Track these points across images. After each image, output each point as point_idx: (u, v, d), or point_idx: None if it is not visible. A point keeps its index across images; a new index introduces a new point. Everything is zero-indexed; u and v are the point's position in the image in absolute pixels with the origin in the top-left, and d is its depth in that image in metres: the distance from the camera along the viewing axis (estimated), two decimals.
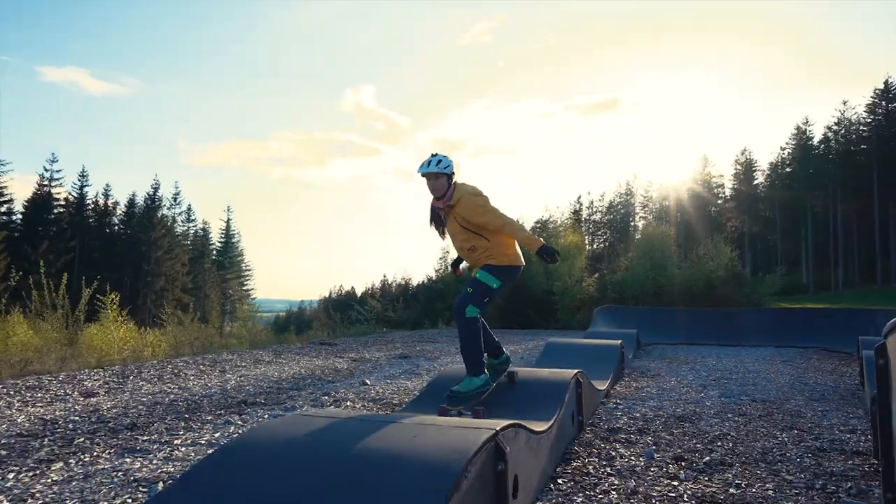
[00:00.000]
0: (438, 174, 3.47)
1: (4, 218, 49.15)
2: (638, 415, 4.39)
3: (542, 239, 3.45)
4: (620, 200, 52.57)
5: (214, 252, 73.50)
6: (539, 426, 2.59)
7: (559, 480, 2.77)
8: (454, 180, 3.56)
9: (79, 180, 57.23)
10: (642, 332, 10.47)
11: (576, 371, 3.80)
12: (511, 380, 3.75)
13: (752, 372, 7.11)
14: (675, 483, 2.75)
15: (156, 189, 60.97)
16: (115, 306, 10.10)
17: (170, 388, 5.54)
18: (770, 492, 2.63)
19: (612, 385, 5.64)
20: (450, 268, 4.33)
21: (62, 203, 54.60)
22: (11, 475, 2.82)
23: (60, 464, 3.03)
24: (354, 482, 1.60)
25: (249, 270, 77.59)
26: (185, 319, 11.90)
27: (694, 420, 4.24)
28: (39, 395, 5.06)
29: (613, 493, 2.60)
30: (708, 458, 3.20)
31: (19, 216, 51.20)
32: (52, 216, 52.17)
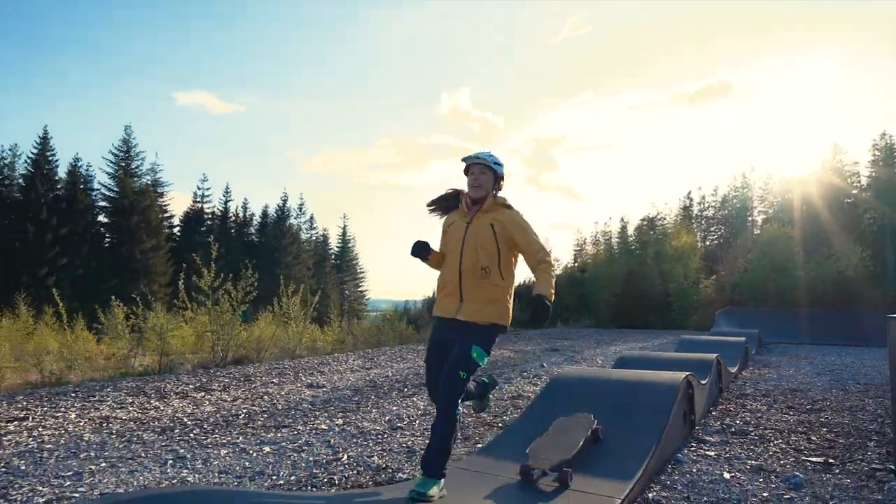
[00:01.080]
0: (489, 167, 2.81)
1: (167, 230, 57.83)
2: (761, 388, 6.16)
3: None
4: (736, 194, 50.10)
5: (333, 256, 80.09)
6: (703, 381, 4.58)
7: (712, 413, 4.73)
8: (500, 186, 2.87)
9: (223, 196, 65.22)
10: (764, 332, 11.66)
11: (715, 355, 5.68)
12: (595, 438, 3.19)
13: (867, 367, 8.37)
14: (785, 417, 4.62)
15: (284, 201, 67.82)
16: (295, 306, 12.54)
17: (409, 366, 8.06)
18: (846, 420, 4.42)
19: (739, 371, 7.34)
20: (412, 250, 2.89)
21: (209, 216, 62.69)
22: (355, 412, 5.31)
23: (385, 404, 5.48)
24: (630, 396, 3.72)
25: (363, 273, 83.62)
26: (335, 317, 14.43)
27: (804, 391, 5.93)
28: (325, 370, 7.76)
29: (747, 416, 4.53)
30: (809, 407, 4.99)
31: (178, 229, 59.78)
32: (204, 228, 60.27)
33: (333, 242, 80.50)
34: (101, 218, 45.75)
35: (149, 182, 48.09)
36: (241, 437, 3.99)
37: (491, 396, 3.48)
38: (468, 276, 2.69)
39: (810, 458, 3.48)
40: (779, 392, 5.88)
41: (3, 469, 3.21)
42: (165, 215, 57.39)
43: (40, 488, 2.87)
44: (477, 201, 2.82)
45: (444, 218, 2.97)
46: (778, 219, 28.00)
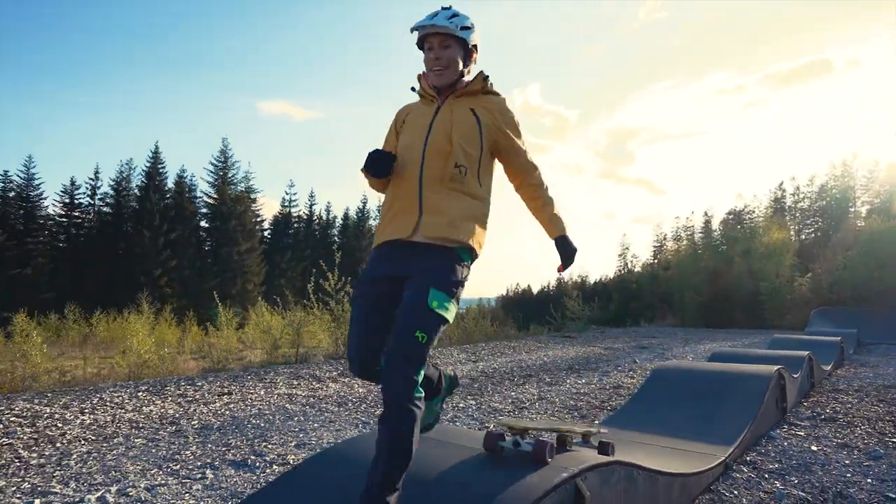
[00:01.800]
0: (450, 36, 1.93)
1: (259, 234, 62.26)
2: (855, 384, 6.50)
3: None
4: (836, 184, 46.48)
5: None
6: (795, 375, 5.12)
7: (803, 403, 5.26)
8: (474, 58, 2.04)
9: (308, 199, 68.97)
10: (864, 333, 11.50)
11: (807, 352, 6.12)
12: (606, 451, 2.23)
13: None
14: (875, 408, 5.07)
15: (364, 203, 70.86)
16: None
17: (509, 360, 8.95)
18: None
19: (833, 369, 7.63)
20: (364, 166, 1.96)
21: (296, 220, 66.61)
22: (481, 396, 6.21)
23: (503, 390, 6.36)
24: (727, 384, 4.39)
25: None
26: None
27: None
28: (437, 362, 8.78)
29: (837, 406, 5.03)
30: None
31: (268, 232, 64.07)
32: (291, 230, 64.22)
33: None
34: (203, 223, 50.35)
35: (243, 189, 52.13)
36: None
37: (443, 406, 2.35)
38: (433, 182, 1.87)
39: (894, 439, 4.01)
40: (872, 388, 6.22)
41: (250, 424, 4.41)
42: (258, 219, 61.55)
43: (285, 437, 4.01)
44: (441, 90, 1.99)
45: (399, 110, 2.12)
46: (884, 210, 26.23)
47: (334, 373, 7.22)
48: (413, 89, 2.12)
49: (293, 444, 3.86)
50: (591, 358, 9.45)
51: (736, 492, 2.91)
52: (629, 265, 51.93)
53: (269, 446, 3.79)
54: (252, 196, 53.64)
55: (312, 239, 66.92)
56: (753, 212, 33.13)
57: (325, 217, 71.61)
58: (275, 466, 3.34)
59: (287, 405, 5.24)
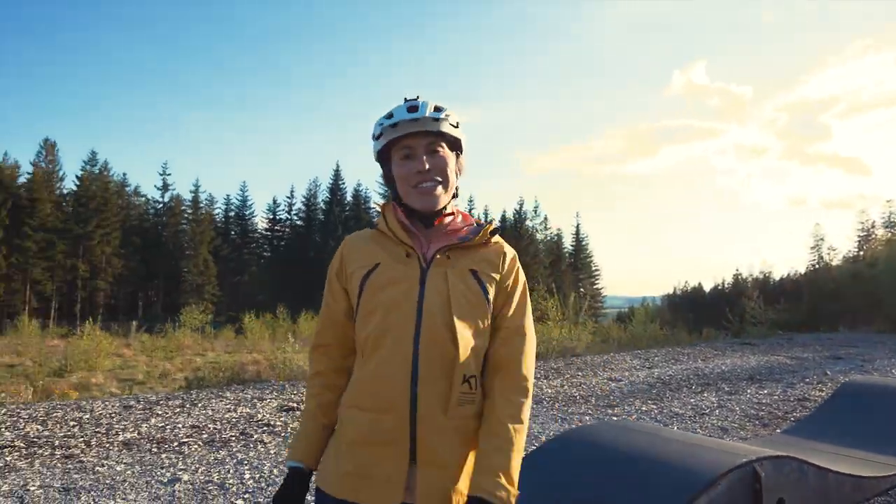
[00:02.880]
0: (440, 135, 1.26)
1: None
2: None
3: None
4: None
5: (568, 255, 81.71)
6: None
7: None
8: (460, 170, 1.35)
9: (468, 204, 72.37)
10: None
11: None
12: None
13: None
14: None
15: (521, 205, 71.98)
16: (553, 309, 14.43)
17: (684, 367, 9.22)
18: None
19: None
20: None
21: None
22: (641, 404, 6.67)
23: (682, 396, 6.76)
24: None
25: (598, 270, 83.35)
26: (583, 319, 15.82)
27: None
28: (613, 368, 9.37)
29: None
30: None
31: None
32: None
33: (567, 241, 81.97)
34: None
35: None
36: (589, 411, 5.89)
37: None
38: (433, 411, 1.17)
39: None
40: None
41: None
42: None
43: None
44: (430, 217, 1.26)
45: (344, 251, 1.33)
46: None
47: None
48: (372, 226, 1.36)
49: None
50: (775, 367, 9.27)
51: None
52: (825, 259, 45.78)
53: None
54: None
55: None
56: None
57: (483, 220, 74.12)
58: None
59: None
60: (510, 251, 1.33)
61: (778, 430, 4.93)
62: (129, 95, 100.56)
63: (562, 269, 75.02)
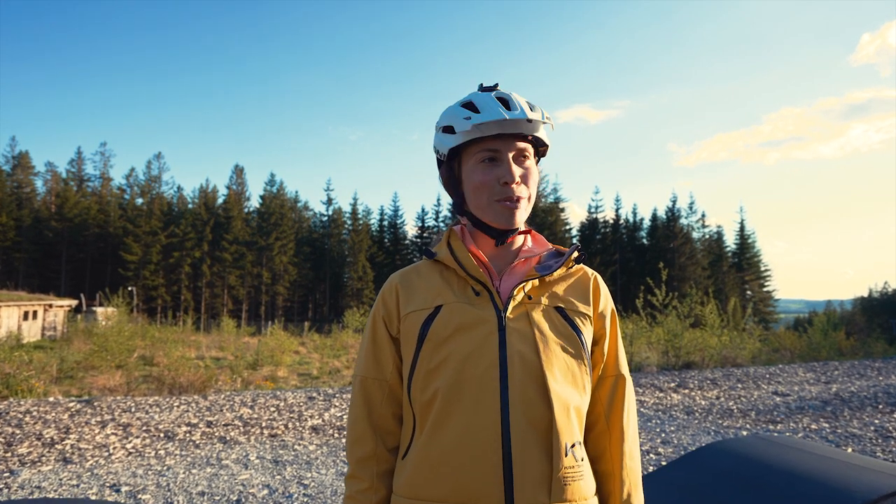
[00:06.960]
0: (538, 139, 1.04)
1: (568, 239, 65.66)
2: None
3: None
4: None
5: (730, 254, 74.47)
6: None
7: None
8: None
9: (614, 203, 69.48)
10: None
11: None
12: None
13: None
14: None
15: (674, 201, 67.36)
16: (712, 314, 13.42)
17: (870, 383, 8.14)
18: None
19: None
20: None
21: (602, 224, 67.73)
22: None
23: (864, 416, 6.00)
24: None
25: (768, 270, 74.63)
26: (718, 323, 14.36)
27: None
28: (780, 380, 8.56)
29: None
30: None
31: (576, 238, 66.88)
32: (599, 235, 65.64)
33: (729, 238, 74.81)
34: None
35: (553, 200, 56.11)
36: (747, 426, 5.60)
37: None
38: (530, 481, 0.91)
39: None
40: None
41: None
42: (566, 227, 65.08)
43: (651, 435, 5.14)
44: (506, 234, 1.05)
45: (394, 290, 1.07)
46: None
47: (672, 384, 8.03)
48: (429, 254, 1.11)
49: (659, 441, 4.95)
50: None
51: None
52: None
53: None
54: (560, 206, 57.17)
55: (620, 242, 67.04)
56: None
57: (631, 219, 70.88)
58: (651, 455, 4.50)
59: (641, 409, 6.37)
60: (595, 275, 1.08)
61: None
62: (302, 120, 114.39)
63: (723, 269, 68.54)
